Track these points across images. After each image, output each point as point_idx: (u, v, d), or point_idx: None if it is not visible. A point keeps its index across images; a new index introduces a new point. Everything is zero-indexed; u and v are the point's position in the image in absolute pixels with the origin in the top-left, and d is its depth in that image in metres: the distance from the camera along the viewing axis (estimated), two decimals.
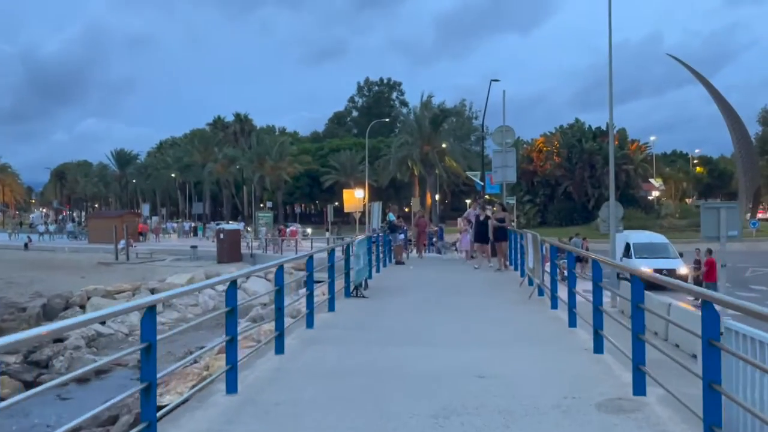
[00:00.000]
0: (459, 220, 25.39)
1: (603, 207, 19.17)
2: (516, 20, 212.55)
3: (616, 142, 54.75)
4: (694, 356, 13.36)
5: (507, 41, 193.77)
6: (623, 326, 5.74)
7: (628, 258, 25.18)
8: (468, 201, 39.81)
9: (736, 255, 36.12)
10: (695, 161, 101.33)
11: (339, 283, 11.25)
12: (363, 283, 12.85)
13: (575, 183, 53.20)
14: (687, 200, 75.58)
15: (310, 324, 8.60)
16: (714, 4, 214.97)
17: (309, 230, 45.00)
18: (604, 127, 56.55)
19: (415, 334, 8.14)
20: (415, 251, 20.68)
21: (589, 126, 56.68)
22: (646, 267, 24.16)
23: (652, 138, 68.86)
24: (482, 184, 33.03)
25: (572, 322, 8.33)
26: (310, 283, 8.70)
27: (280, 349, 7.05)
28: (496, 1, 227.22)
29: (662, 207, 52.06)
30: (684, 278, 23.68)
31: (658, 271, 24.16)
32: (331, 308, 10.11)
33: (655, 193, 62.85)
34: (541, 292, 11.21)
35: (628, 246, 25.69)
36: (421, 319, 9.33)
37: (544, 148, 55.78)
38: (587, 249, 24.56)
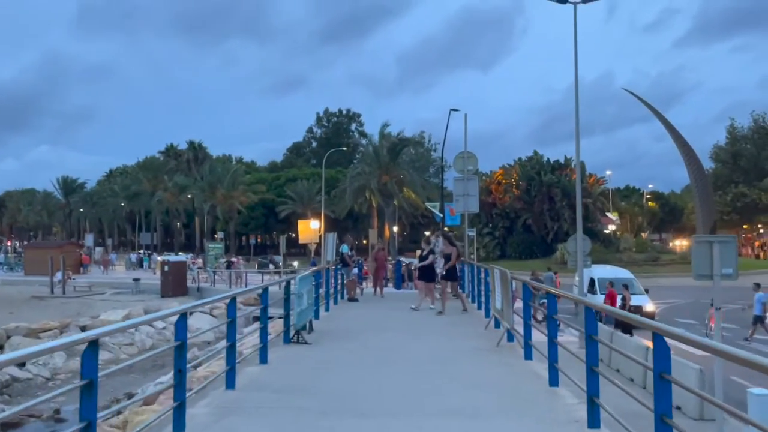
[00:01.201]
0: (418, 252, 23.99)
1: (570, 240, 17.99)
2: (476, 58, 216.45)
3: (574, 176, 54.75)
4: (678, 408, 12.12)
5: (467, 78, 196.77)
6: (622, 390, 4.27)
7: (592, 293, 24.10)
8: (427, 233, 38.65)
9: (696, 291, 35.72)
10: (648, 196, 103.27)
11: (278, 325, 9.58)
12: (307, 325, 11.18)
13: (534, 216, 52.69)
14: (642, 234, 76.19)
15: (230, 383, 6.88)
16: (663, 47, 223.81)
17: (242, 262, 42.95)
18: (562, 161, 56.56)
19: (362, 399, 6.51)
20: (371, 287, 19.10)
21: (548, 159, 56.66)
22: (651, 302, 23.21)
23: (608, 172, 69.48)
24: (441, 215, 31.82)
25: (553, 380, 6.85)
26: (231, 332, 7.00)
27: (179, 426, 5.31)
28: (456, 38, 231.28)
29: (621, 241, 51.90)
30: (651, 315, 22.71)
31: (621, 308, 23.26)
32: (263, 359, 8.40)
33: (612, 227, 62.99)
34: (510, 338, 9.74)
35: (592, 281, 24.67)
36: (371, 375, 7.70)
37: (504, 181, 55.29)
38: (559, 285, 23.46)
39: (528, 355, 8.38)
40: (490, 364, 8.30)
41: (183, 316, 5.47)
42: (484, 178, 54.68)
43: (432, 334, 11.05)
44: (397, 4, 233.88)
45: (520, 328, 9.05)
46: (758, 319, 20.30)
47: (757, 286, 21.19)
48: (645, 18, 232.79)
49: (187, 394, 6.40)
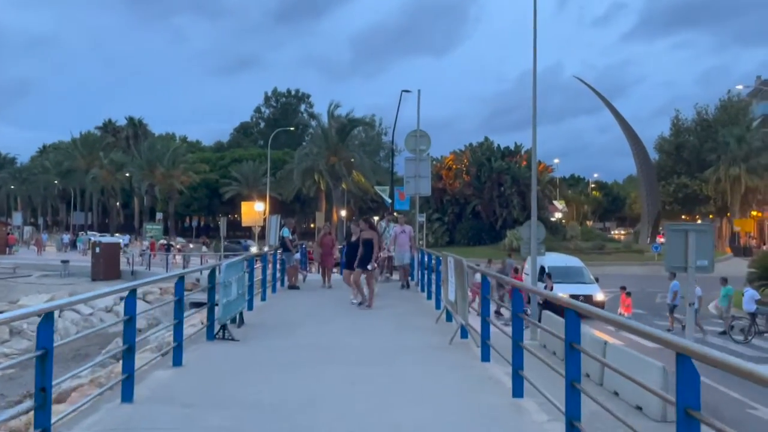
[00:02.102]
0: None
1: (524, 227, 17.24)
2: (429, 44, 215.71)
3: (524, 163, 54.63)
4: (639, 408, 11.45)
5: (420, 63, 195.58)
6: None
7: (543, 283, 23.54)
8: (376, 218, 37.65)
9: (641, 280, 36.02)
10: (592, 185, 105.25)
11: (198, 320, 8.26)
12: (237, 317, 9.89)
13: (484, 202, 52.31)
14: (587, 223, 77.40)
15: (127, 394, 5.57)
16: (609, 41, 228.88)
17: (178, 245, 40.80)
18: (512, 147, 56.33)
19: (289, 415, 5.32)
20: (318, 273, 17.86)
21: (498, 145, 56.26)
22: (561, 293, 22.64)
23: (556, 160, 69.94)
24: (390, 200, 30.79)
25: (518, 390, 5.82)
26: (128, 332, 5.67)
27: None
28: (410, 24, 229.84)
29: (568, 229, 52.15)
30: (601, 305, 22.31)
31: (575, 297, 22.76)
32: (177, 361, 7.10)
33: (558, 215, 63.46)
34: (464, 334, 8.72)
35: (543, 270, 24.11)
36: (304, 381, 6.52)
37: (454, 166, 54.67)
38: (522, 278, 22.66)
39: (485, 357, 7.36)
40: (442, 366, 7.23)
41: (48, 316, 4.10)
42: (434, 163, 53.93)
43: (378, 327, 9.94)
44: None
45: (476, 323, 8.05)
46: (672, 309, 20.19)
47: (673, 275, 21.08)
48: (594, 12, 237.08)
49: (68, 410, 5.11)
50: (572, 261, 26.30)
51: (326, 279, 15.51)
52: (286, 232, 15.60)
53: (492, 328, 7.43)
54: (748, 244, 61.65)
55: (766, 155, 59.87)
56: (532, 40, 15.84)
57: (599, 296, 22.95)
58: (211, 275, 8.70)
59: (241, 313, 10.00)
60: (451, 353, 7.94)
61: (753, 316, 17.98)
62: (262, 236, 37.04)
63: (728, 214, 64.97)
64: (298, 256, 16.27)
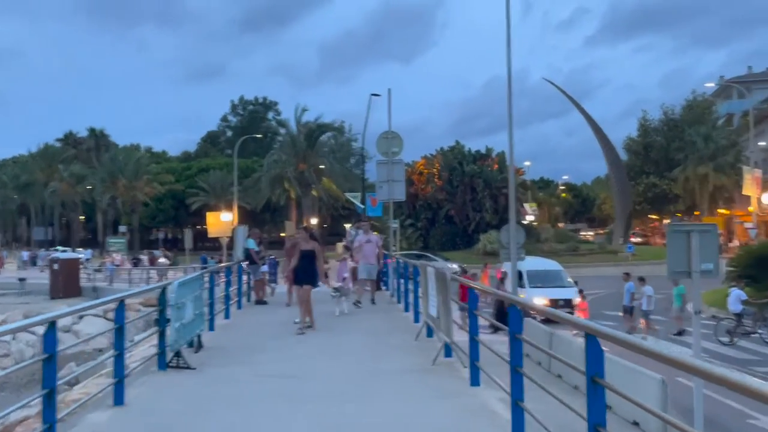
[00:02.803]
0: (339, 245, 21.93)
1: (503, 231, 16.49)
2: (397, 51, 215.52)
3: (496, 166, 54.26)
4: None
5: (388, 70, 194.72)
6: None
7: (521, 287, 22.82)
8: (347, 225, 36.67)
9: (616, 281, 35.65)
10: (562, 188, 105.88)
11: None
12: (195, 340, 8.88)
13: (457, 206, 51.68)
14: (559, 225, 77.46)
15: None
16: (574, 45, 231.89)
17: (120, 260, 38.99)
18: (483, 151, 55.93)
19: None
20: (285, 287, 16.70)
21: (469, 149, 55.81)
22: (540, 297, 21.97)
23: (526, 163, 69.91)
24: (363, 206, 29.91)
25: (518, 425, 4.95)
26: (48, 373, 4.65)
27: None
28: (378, 31, 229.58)
29: (541, 232, 51.84)
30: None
31: (554, 302, 22.12)
32: (118, 400, 6.07)
33: (530, 218, 63.27)
34: (448, 352, 7.85)
35: (520, 274, 23.42)
36: (264, 422, 5.55)
37: (425, 171, 53.98)
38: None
39: (475, 380, 6.49)
40: (426, 395, 6.33)
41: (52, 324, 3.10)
42: (406, 168, 53.20)
43: (352, 348, 8.99)
44: None
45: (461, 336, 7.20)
46: (627, 310, 19.72)
47: (627, 275, 20.70)
48: (558, 17, 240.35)
49: None
50: (550, 264, 25.70)
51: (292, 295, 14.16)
52: (252, 244, 14.58)
53: (481, 347, 6.57)
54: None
55: (732, 153, 60.59)
56: (506, 45, 15.20)
57: (577, 299, 22.35)
58: (161, 296, 7.69)
59: (199, 336, 8.99)
60: (435, 377, 7.05)
61: (739, 316, 17.50)
62: (230, 247, 35.80)
63: (697, 212, 65.56)
64: (265, 268, 15.25)
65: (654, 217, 78.08)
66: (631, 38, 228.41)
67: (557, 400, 4.33)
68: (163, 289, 7.74)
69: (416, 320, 10.93)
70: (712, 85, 53.41)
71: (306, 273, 10.46)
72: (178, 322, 7.70)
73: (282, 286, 18.77)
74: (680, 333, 18.45)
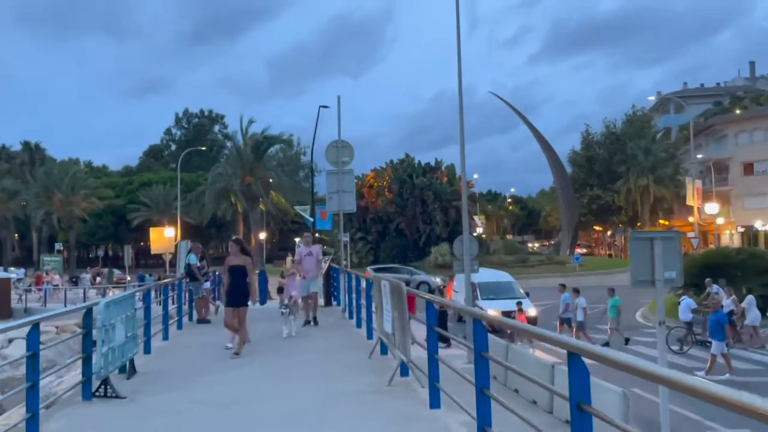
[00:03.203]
0: (287, 260, 21.10)
1: (456, 243, 16.17)
2: (347, 65, 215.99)
3: (445, 179, 54.43)
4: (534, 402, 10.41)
5: (338, 85, 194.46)
6: None
7: (474, 299, 22.61)
8: (297, 239, 35.84)
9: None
10: (509, 200, 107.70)
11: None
12: (128, 365, 8.09)
13: (407, 219, 51.49)
14: (507, 237, 78.44)
15: None
16: (518, 62, 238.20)
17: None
18: (433, 163, 56.05)
19: None
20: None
21: (419, 162, 55.80)
22: (493, 309, 21.76)
23: (475, 176, 70.59)
24: (312, 219, 29.18)
25: None
26: None
27: None
28: (328, 45, 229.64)
29: (491, 243, 52.18)
30: (533, 321, 21.62)
31: (507, 313, 21.90)
32: None
33: (479, 230, 63.75)
34: (404, 371, 7.33)
35: (473, 286, 23.19)
36: None
37: (375, 184, 53.64)
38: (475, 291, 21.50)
39: (435, 402, 5.99)
40: (383, 420, 5.79)
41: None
42: (356, 181, 52.75)
43: (301, 369, 8.36)
44: (267, 8, 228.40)
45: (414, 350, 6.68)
46: (563, 321, 19.82)
47: (563, 286, 20.86)
48: (503, 34, 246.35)
49: None
50: (502, 276, 25.61)
51: None
52: (193, 259, 13.73)
53: (441, 366, 6.08)
54: None
55: (671, 166, 62.69)
56: (456, 61, 14.94)
57: (531, 311, 22.26)
58: (87, 317, 6.90)
59: (132, 360, 8.19)
60: (392, 399, 6.51)
61: (689, 325, 17.62)
62: (173, 264, 34.41)
63: (639, 224, 67.46)
64: (207, 285, 14.40)
65: (597, 228, 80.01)
66: (571, 56, 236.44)
67: (531, 426, 3.88)
68: (89, 310, 6.96)
69: (369, 337, 10.39)
70: (653, 98, 55.21)
71: (235, 292, 9.16)
72: (106, 346, 6.93)
73: None
74: (607, 344, 18.45)
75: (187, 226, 56.00)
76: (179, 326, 12.58)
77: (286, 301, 11.52)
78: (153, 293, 13.23)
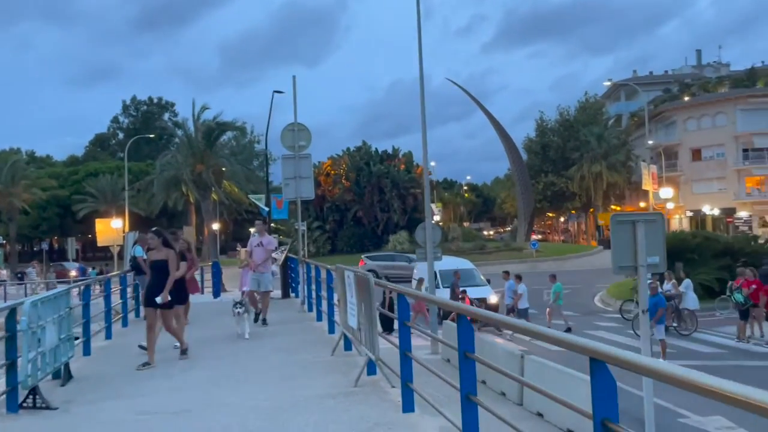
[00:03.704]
0: (242, 250, 20.26)
1: (418, 230, 15.66)
2: (301, 53, 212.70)
3: (402, 166, 54.07)
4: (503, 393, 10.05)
5: (292, 73, 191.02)
6: None
7: (435, 287, 22.20)
8: (252, 230, 34.74)
9: (526, 277, 36.13)
10: (465, 188, 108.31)
11: None
12: (62, 370, 7.26)
13: (365, 207, 50.94)
14: (464, 224, 78.79)
15: None
16: (472, 51, 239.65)
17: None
18: (390, 151, 55.56)
19: None
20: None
21: (376, 149, 55.25)
22: (468, 295, 21.42)
23: (433, 164, 70.38)
24: (267, 209, 28.26)
25: None
26: None
27: None
28: (281, 33, 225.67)
29: (449, 231, 52.09)
30: (495, 308, 21.38)
31: (470, 301, 21.64)
32: None
33: (436, 218, 63.74)
34: (372, 369, 6.74)
35: (434, 274, 22.79)
36: None
37: (332, 172, 52.84)
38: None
39: (408, 405, 5.41)
40: (353, 427, 5.18)
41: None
42: (313, 169, 51.73)
43: (259, 369, 7.67)
44: None
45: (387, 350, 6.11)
46: (510, 309, 19.76)
47: (506, 273, 20.81)
48: (457, 23, 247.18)
49: None
50: (462, 263, 25.31)
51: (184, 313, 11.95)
52: (139, 251, 12.75)
53: (414, 364, 5.50)
54: (607, 236, 65.30)
55: (622, 152, 63.83)
56: (413, 50, 14.48)
57: (493, 298, 22.01)
58: (10, 319, 6.05)
59: (67, 365, 7.36)
60: (360, 402, 5.90)
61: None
62: (122, 256, 32.91)
63: (591, 209, 68.64)
64: None
65: (551, 214, 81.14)
66: (525, 45, 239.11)
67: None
68: (12, 311, 6.11)
69: (331, 331, 9.76)
70: (609, 83, 55.95)
71: (156, 291, 8.06)
72: (34, 351, 6.10)
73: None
74: (568, 330, 18.37)
75: (137, 217, 53.95)
76: (124, 323, 11.69)
77: (240, 298, 10.57)
78: (97, 288, 12.31)
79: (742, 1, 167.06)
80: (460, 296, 20.77)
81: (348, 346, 8.15)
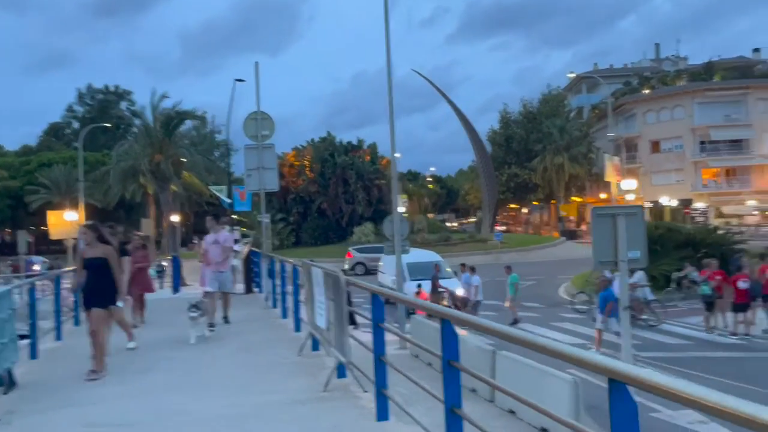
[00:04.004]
0: (200, 242, 19.53)
1: (386, 222, 15.30)
2: (263, 42, 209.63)
3: (368, 157, 53.54)
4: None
5: (254, 62, 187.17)
6: None
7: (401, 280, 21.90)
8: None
9: (489, 269, 36.11)
10: (429, 180, 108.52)
11: None
12: (5, 376, 6.68)
13: (329, 199, 50.30)
14: (429, 215, 78.81)
15: None
16: (436, 42, 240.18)
17: None
18: (355, 142, 55.01)
19: None
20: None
21: (341, 140, 54.58)
22: (423, 290, 21.20)
23: (398, 155, 69.98)
24: (229, 201, 27.55)
25: None
26: None
27: None
28: (243, 21, 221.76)
29: (415, 222, 51.91)
30: (462, 300, 21.24)
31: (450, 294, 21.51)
32: None
33: (401, 209, 63.48)
34: (342, 372, 6.36)
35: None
36: None
37: (296, 163, 51.99)
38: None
39: (383, 413, 5.05)
40: None
41: None
42: (277, 160, 50.73)
43: (220, 372, 7.21)
44: None
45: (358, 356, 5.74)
46: (465, 303, 19.78)
47: (463, 266, 20.87)
48: (420, 15, 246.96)
49: None
50: (430, 256, 25.11)
51: (139, 313, 10.90)
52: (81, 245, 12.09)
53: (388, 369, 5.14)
54: (568, 227, 66.38)
55: (584, 144, 64.66)
56: (377, 41, 14.14)
57: (460, 291, 21.84)
58: None
59: (9, 370, 6.77)
60: (331, 409, 5.52)
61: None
62: (76, 249, 31.68)
63: (553, 201, 69.44)
64: None
65: (513, 206, 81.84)
66: (488, 37, 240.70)
67: None
68: None
69: (297, 329, 9.34)
70: (573, 74, 56.49)
71: (94, 291, 7.34)
72: None
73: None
74: (515, 322, 18.37)
75: (93, 209, 52.21)
76: (76, 323, 11.03)
77: (198, 300, 9.45)
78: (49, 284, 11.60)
79: None
80: (439, 288, 20.58)
81: (316, 345, 7.76)
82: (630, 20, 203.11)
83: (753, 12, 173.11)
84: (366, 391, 5.79)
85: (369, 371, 5.59)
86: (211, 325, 9.60)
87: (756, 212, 56.07)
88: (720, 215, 53.82)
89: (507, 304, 20.11)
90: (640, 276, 18.70)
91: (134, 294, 10.74)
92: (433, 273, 21.08)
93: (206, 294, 9.00)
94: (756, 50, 71.59)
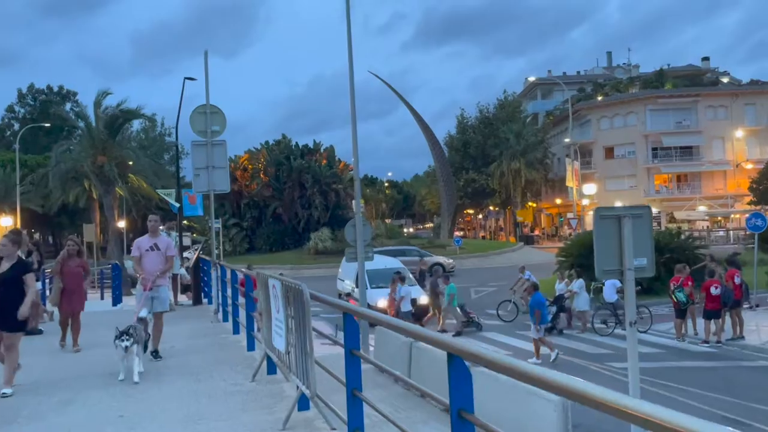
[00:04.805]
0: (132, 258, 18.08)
1: (348, 228, 14.31)
2: (218, 45, 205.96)
3: (324, 161, 52.41)
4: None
5: (209, 65, 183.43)
6: None
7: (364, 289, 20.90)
8: (162, 228, 31.98)
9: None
10: (386, 185, 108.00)
11: None
12: None
13: (285, 204, 48.87)
14: (387, 220, 78.10)
15: None
16: (392, 50, 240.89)
17: None
18: (311, 145, 53.79)
19: None
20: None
21: (297, 143, 53.23)
22: (384, 298, 20.26)
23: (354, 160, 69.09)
24: (178, 205, 26.00)
25: None
26: None
27: None
28: (197, 23, 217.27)
29: (373, 228, 51.00)
30: (426, 309, 20.42)
31: (412, 302, 20.54)
32: None
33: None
34: (304, 404, 5.33)
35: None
36: None
37: (250, 166, 50.39)
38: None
39: None
40: None
41: None
42: (229, 162, 49.07)
43: (161, 404, 6.06)
44: None
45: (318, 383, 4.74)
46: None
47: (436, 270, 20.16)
48: (377, 21, 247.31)
49: None
50: (391, 262, 24.20)
51: (65, 333, 9.41)
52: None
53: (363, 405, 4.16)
54: (525, 233, 66.57)
55: (540, 149, 65.05)
56: (338, 45, 13.37)
57: (423, 298, 21.01)
58: None
59: None
60: None
61: (614, 306, 17.01)
62: None
63: (509, 207, 69.63)
64: (39, 285, 11.43)
65: (469, 211, 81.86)
66: (443, 44, 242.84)
67: None
68: None
69: (250, 347, 8.25)
70: (533, 79, 56.65)
71: (9, 310, 6.43)
72: None
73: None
74: (458, 334, 17.69)
75: (33, 214, 49.56)
76: None
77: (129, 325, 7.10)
78: None
79: (646, 6, 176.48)
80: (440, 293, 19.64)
81: (272, 368, 6.71)
82: (581, 30, 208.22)
83: (700, 22, 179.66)
84: (334, 429, 4.80)
85: (336, 400, 4.62)
86: (155, 352, 8.05)
87: (707, 217, 57.36)
88: (672, 220, 54.76)
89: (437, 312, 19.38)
90: (579, 284, 18.18)
91: (72, 308, 9.34)
92: (432, 279, 20.24)
93: (140, 320, 7.31)
94: (705, 59, 73.67)
